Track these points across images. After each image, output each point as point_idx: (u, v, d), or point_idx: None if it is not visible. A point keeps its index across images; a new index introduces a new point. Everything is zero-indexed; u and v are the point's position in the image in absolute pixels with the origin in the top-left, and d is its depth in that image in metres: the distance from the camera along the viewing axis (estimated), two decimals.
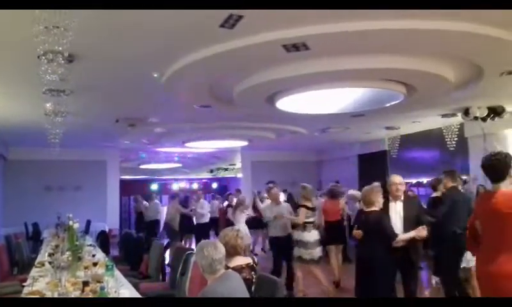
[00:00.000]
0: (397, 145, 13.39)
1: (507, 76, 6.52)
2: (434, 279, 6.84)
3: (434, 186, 7.08)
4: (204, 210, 11.55)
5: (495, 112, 9.01)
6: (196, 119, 9.74)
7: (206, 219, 11.61)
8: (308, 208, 6.79)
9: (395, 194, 4.72)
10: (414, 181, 13.08)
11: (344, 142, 14.63)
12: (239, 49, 5.11)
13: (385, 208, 4.68)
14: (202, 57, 5.39)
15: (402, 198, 4.74)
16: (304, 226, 6.61)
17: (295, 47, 5.16)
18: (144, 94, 7.45)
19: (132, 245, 7.84)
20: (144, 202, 13.73)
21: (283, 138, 12.70)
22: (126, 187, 18.49)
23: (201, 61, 5.50)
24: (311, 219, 6.77)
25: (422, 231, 4.39)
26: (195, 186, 22.28)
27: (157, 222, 13.02)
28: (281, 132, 11.80)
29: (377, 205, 4.60)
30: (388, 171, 14.16)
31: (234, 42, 5.01)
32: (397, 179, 4.79)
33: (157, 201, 13.89)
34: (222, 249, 3.01)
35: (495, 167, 3.29)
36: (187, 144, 13.29)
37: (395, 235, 4.44)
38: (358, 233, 4.70)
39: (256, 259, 3.85)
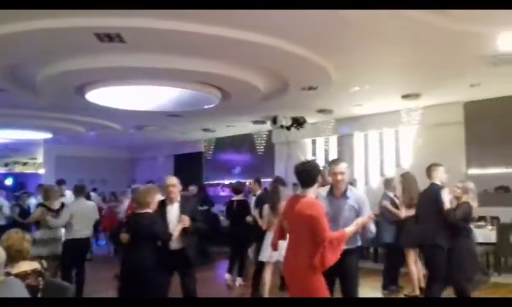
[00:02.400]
0: (212, 147, 13.83)
1: (307, 91, 7.29)
2: (232, 279, 7.13)
3: (237, 189, 7.40)
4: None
5: (298, 122, 10.02)
6: None
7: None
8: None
9: (171, 195, 4.57)
10: (227, 182, 13.69)
11: (160, 141, 14.45)
12: (43, 31, 4.62)
13: (163, 210, 4.54)
14: None
15: (179, 199, 4.62)
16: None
17: (109, 37, 4.88)
18: None
19: None
20: None
21: (94, 132, 11.88)
22: None
23: None
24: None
25: (184, 220, 4.39)
26: None
27: None
28: (92, 126, 11.02)
29: (152, 207, 4.38)
30: (203, 171, 14.54)
31: (38, 22, 4.49)
32: (171, 180, 4.63)
33: None
34: (1, 254, 2.64)
35: (306, 173, 3.53)
36: None
37: (170, 235, 4.34)
38: (124, 237, 4.35)
39: (45, 264, 3.42)
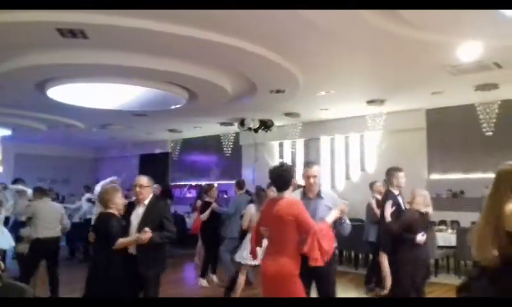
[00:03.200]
0: (178, 148, 13.66)
1: (275, 94, 7.31)
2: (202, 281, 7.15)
3: (206, 191, 7.47)
4: None
5: (265, 125, 10.07)
6: None
7: None
8: None
9: (138, 196, 4.23)
10: (194, 183, 13.56)
11: (125, 140, 14.18)
12: (1, 24, 4.42)
13: (129, 212, 4.25)
14: None
15: (147, 202, 4.25)
16: None
17: (71, 33, 4.73)
18: None
19: None
20: None
21: (56, 130, 11.52)
22: None
23: None
24: None
25: (144, 234, 3.97)
26: None
27: None
28: (54, 124, 10.64)
29: (114, 207, 4.18)
30: (169, 172, 14.35)
31: None
32: (138, 180, 4.27)
33: None
34: None
35: (281, 177, 3.58)
36: None
37: (114, 239, 4.04)
38: (91, 236, 4.27)
39: (2, 266, 3.24)
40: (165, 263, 4.35)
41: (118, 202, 4.20)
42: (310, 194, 3.77)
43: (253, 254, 3.97)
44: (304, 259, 3.44)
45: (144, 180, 4.29)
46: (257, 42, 5.15)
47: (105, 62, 5.54)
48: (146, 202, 4.24)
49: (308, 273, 3.53)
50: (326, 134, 10.59)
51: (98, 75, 6.18)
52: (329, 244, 3.42)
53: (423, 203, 4.64)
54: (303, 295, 3.45)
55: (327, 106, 8.76)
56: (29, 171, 12.28)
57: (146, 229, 3.99)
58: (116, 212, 4.18)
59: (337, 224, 3.72)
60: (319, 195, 3.76)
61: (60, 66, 5.71)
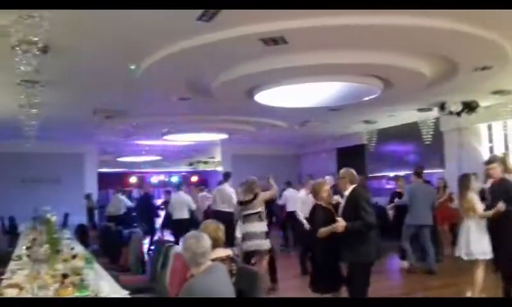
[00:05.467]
0: (374, 139, 13.56)
1: (480, 72, 6.67)
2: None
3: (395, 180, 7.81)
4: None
5: (470, 107, 9.20)
6: (175, 112, 9.67)
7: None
8: None
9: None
10: (391, 174, 13.29)
11: (323, 135, 14.73)
12: (217, 42, 5.10)
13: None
14: (179, 49, 5.36)
15: (347, 192, 4.63)
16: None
17: (273, 41, 5.15)
18: (121, 86, 7.34)
19: (111, 239, 7.78)
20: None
21: (264, 131, 12.71)
22: (104, 180, 18.22)
23: (179, 54, 5.46)
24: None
25: (337, 225, 4.38)
26: (174, 179, 22.14)
27: (118, 217, 12.12)
28: (261, 126, 11.79)
29: (320, 199, 4.72)
30: (366, 164, 14.36)
31: (212, 35, 4.99)
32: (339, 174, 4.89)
33: (121, 196, 12.91)
34: (205, 243, 2.93)
35: None
36: (166, 137, 13.16)
37: (317, 229, 4.61)
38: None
39: (236, 251, 3.85)
40: (372, 253, 4.51)
41: (322, 195, 4.68)
42: None
43: None
44: None
45: (341, 172, 4.76)
46: (460, 19, 4.76)
47: (305, 63, 5.86)
48: (347, 193, 4.59)
49: None
50: None
51: (298, 76, 6.57)
52: None
53: None
54: None
55: None
56: (242, 169, 13.83)
57: (339, 219, 4.34)
58: (323, 203, 4.63)
59: None
60: None
61: (265, 72, 6.22)
